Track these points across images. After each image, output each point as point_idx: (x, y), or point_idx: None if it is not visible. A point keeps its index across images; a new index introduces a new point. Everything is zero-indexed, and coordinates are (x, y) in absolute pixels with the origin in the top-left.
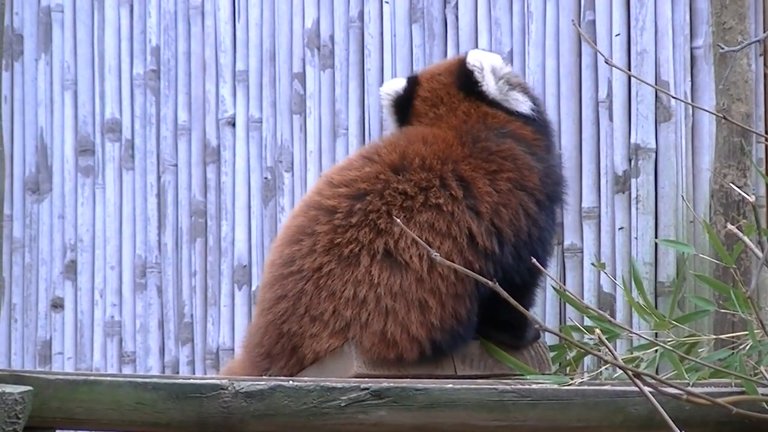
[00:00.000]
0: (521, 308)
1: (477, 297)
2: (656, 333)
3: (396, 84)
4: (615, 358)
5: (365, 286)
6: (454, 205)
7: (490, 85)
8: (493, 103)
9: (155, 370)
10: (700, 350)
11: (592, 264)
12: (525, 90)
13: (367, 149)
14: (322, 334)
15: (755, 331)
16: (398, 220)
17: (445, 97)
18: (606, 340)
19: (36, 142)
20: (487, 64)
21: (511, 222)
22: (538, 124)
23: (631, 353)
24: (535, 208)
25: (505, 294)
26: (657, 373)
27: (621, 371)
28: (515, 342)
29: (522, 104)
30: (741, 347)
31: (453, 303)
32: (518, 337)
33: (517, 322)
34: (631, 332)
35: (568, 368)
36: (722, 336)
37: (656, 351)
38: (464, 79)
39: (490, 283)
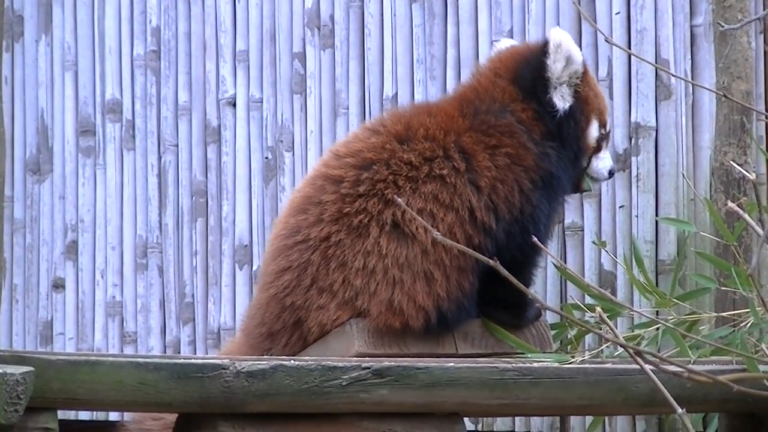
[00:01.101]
0: (521, 286)
1: (478, 271)
2: (657, 311)
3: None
4: (616, 336)
5: (374, 257)
6: (456, 178)
7: (556, 65)
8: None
9: (156, 350)
10: (701, 328)
11: (593, 242)
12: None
13: (372, 122)
14: (330, 305)
15: (756, 309)
16: (399, 200)
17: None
18: (607, 318)
19: (37, 123)
20: (566, 47)
21: (506, 198)
22: (545, 114)
23: (633, 331)
24: (530, 185)
25: (504, 272)
26: (658, 351)
27: (622, 349)
28: (516, 321)
29: (562, 101)
30: (742, 325)
31: (457, 275)
32: (519, 316)
33: (515, 300)
34: (632, 310)
35: (569, 347)
36: (723, 314)
37: (657, 329)
38: (535, 51)
39: (491, 261)
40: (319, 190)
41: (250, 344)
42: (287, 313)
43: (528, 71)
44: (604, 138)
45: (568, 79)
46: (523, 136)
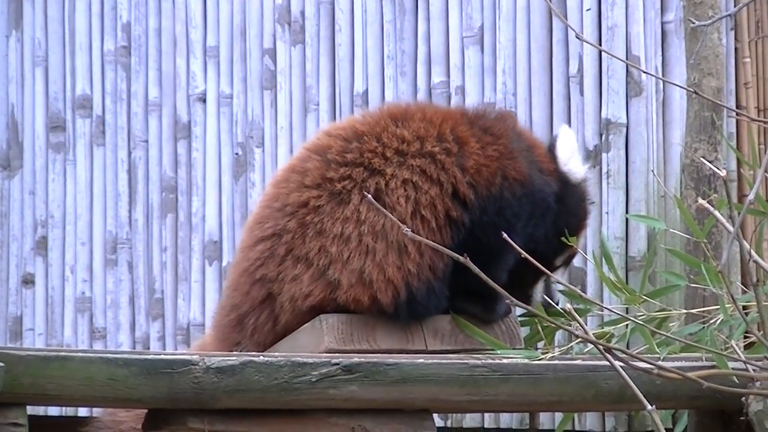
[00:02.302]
0: (488, 280)
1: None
2: (627, 308)
3: None
4: (586, 333)
5: (352, 223)
6: (446, 158)
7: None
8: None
9: (126, 346)
10: (671, 325)
11: (563, 239)
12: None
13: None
14: (304, 276)
15: (726, 306)
16: (369, 196)
17: None
18: (577, 315)
19: (7, 118)
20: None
21: (488, 179)
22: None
23: (602, 328)
24: (515, 174)
25: (473, 267)
26: (628, 347)
27: (592, 346)
28: (486, 316)
29: (576, 174)
30: (712, 322)
31: (431, 253)
32: (489, 310)
33: (487, 292)
34: (602, 307)
35: (539, 343)
36: (693, 311)
37: (627, 326)
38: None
39: (461, 258)
40: (303, 160)
41: (219, 337)
42: (257, 287)
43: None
44: (555, 268)
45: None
46: (523, 153)
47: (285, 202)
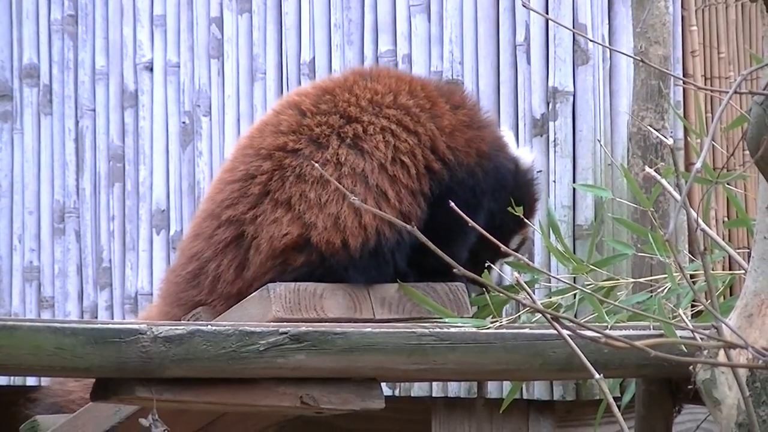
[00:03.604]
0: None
1: (428, 204)
2: (575, 278)
3: None
4: (534, 302)
5: (331, 166)
6: (420, 112)
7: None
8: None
9: (74, 315)
10: (618, 293)
11: (509, 208)
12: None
13: None
14: (283, 219)
15: (674, 274)
16: (316, 165)
17: None
18: (525, 285)
19: None
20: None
21: (464, 147)
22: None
23: (550, 298)
24: (484, 147)
25: (421, 237)
26: (576, 317)
27: (540, 315)
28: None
29: (524, 161)
30: (659, 290)
31: (409, 199)
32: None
33: (445, 269)
34: (549, 276)
35: (489, 316)
36: (640, 279)
37: (575, 296)
38: None
39: (407, 227)
40: (277, 114)
41: (171, 301)
42: (224, 228)
43: None
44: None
45: None
46: (488, 126)
47: (259, 147)
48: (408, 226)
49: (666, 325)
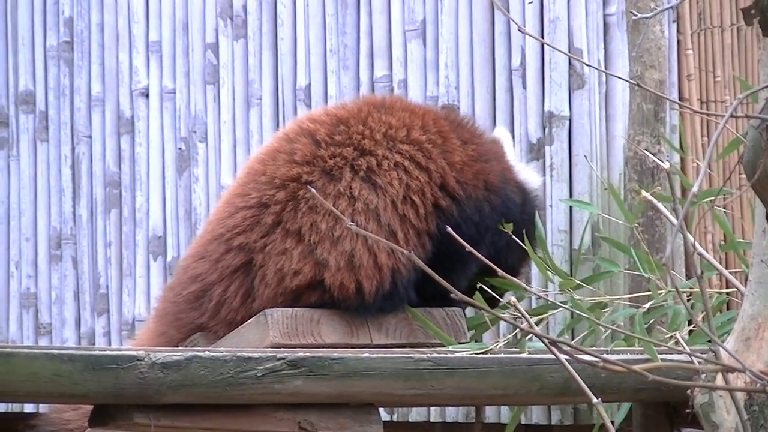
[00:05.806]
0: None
1: (433, 242)
2: (569, 298)
3: None
4: (531, 327)
5: (344, 200)
6: (433, 147)
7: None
8: None
9: (71, 342)
10: (604, 312)
11: (500, 226)
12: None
13: None
14: (294, 251)
15: (657, 292)
16: (312, 190)
17: None
18: (522, 309)
19: None
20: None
21: (472, 182)
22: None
23: (539, 315)
24: (493, 180)
25: (419, 261)
26: (572, 338)
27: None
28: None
29: (532, 184)
30: (642, 307)
31: (414, 240)
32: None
33: (441, 295)
34: (539, 296)
35: (486, 331)
36: (625, 296)
37: (572, 315)
38: None
39: (405, 251)
40: (289, 142)
41: (168, 321)
42: (233, 254)
43: None
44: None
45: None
46: (495, 158)
47: (273, 175)
48: (405, 251)
49: (647, 344)
